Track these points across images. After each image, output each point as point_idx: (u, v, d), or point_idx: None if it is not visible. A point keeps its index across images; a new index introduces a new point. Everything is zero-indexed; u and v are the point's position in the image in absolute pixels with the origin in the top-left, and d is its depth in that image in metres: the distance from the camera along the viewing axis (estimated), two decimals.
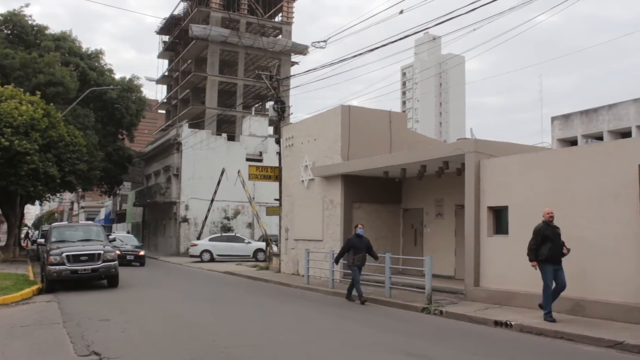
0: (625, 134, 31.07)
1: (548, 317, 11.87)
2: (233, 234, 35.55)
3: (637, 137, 25.14)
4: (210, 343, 9.93)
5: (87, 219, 75.75)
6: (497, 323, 12.19)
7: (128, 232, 49.23)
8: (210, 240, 37.23)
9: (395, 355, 9.23)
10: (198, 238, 42.92)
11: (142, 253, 32.44)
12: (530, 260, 12.30)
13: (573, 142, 33.42)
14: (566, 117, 35.41)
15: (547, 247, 11.98)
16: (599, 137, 32.67)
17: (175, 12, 60.27)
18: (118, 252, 25.99)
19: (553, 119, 36.27)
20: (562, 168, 13.69)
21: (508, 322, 11.97)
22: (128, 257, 31.15)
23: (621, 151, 12.62)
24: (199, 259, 35.65)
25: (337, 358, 9.11)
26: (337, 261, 17.33)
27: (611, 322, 11.68)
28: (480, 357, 9.26)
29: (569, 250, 12.17)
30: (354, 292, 16.27)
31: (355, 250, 16.18)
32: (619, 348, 9.76)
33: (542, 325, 11.48)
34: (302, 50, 56.64)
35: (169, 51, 64.49)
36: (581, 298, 12.73)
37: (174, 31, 60.60)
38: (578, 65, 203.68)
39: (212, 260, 35.27)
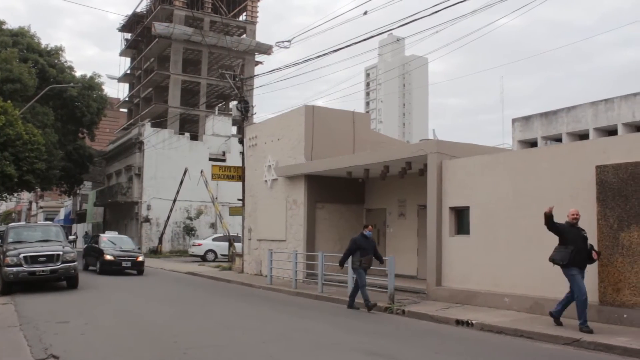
0: (583, 135, 31.76)
1: (584, 327, 10.64)
2: (235, 234, 34.75)
3: (594, 139, 25.67)
4: (172, 344, 9.81)
5: (46, 219, 74.22)
6: (458, 322, 12.32)
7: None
8: (214, 240, 36.91)
9: (357, 354, 9.25)
10: (160, 238, 42.53)
11: (140, 258, 26.03)
12: (556, 263, 11.28)
13: (533, 144, 34.03)
14: (527, 119, 36.02)
15: (568, 250, 10.97)
16: (558, 139, 33.33)
17: (138, 10, 59.53)
18: (111, 257, 24.87)
19: (514, 120, 36.87)
20: (522, 169, 13.90)
21: (469, 321, 12.11)
22: (124, 264, 25.21)
23: (579, 153, 12.88)
24: (199, 260, 35.23)
25: (299, 358, 9.09)
26: (342, 264, 15.40)
27: (569, 319, 11.88)
28: (442, 356, 9.35)
29: (599, 254, 11.33)
30: (357, 299, 15.04)
31: (362, 251, 14.85)
32: (576, 345, 9.96)
33: (502, 324, 11.65)
34: (266, 49, 56.45)
35: (132, 49, 63.65)
36: (540, 297, 12.95)
37: (137, 29, 59.83)
38: (540, 68, 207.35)
39: (215, 259, 34.89)
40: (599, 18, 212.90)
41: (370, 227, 15.50)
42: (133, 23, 60.89)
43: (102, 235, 28.77)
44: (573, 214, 11.24)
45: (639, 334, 10.32)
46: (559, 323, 11.30)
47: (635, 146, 11.73)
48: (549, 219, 11.17)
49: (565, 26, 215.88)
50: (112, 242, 26.91)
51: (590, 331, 10.48)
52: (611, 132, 30.58)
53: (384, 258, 15.80)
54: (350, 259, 15.09)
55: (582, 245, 11.02)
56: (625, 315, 11.23)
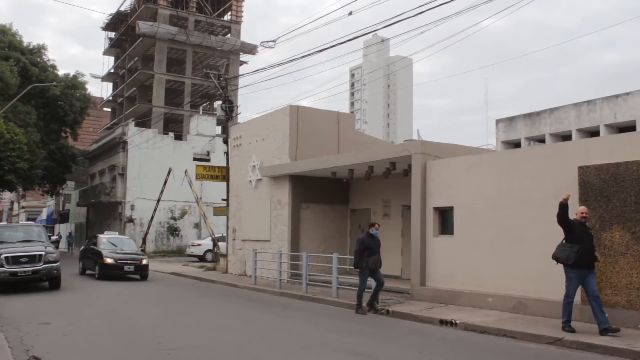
0: (566, 136, 31.99)
1: (566, 327, 10.67)
2: (220, 235, 34.35)
3: (577, 140, 25.88)
4: (156, 345, 9.76)
5: (28, 219, 73.56)
6: (442, 322, 12.36)
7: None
8: (213, 240, 36.70)
9: (342, 354, 9.25)
10: (144, 238, 42.28)
11: (144, 262, 23.43)
12: (559, 261, 10.95)
13: (517, 145, 34.21)
14: (510, 120, 36.21)
15: (574, 249, 10.61)
16: (542, 140, 33.53)
17: (122, 8, 59.16)
18: (112, 261, 22.52)
19: (498, 121, 37.04)
20: (506, 169, 13.98)
21: (453, 321, 12.15)
22: (126, 268, 22.81)
23: (562, 153, 12.97)
24: (197, 260, 34.97)
25: (282, 358, 9.08)
26: (357, 266, 14.31)
27: (552, 319, 11.97)
28: (425, 356, 9.37)
29: (598, 259, 10.98)
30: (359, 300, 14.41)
31: (368, 251, 14.19)
32: (558, 344, 10.04)
33: (485, 323, 11.70)
34: (251, 49, 56.33)
35: (115, 48, 63.25)
36: (523, 296, 13.03)
37: (121, 28, 59.46)
38: (524, 69, 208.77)
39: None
40: (582, 20, 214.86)
41: (377, 225, 14.85)
42: (117, 22, 60.51)
43: (100, 236, 25.65)
44: (582, 212, 10.86)
45: (619, 332, 10.41)
46: (613, 329, 10.36)
47: (616, 147, 11.84)
48: (564, 209, 10.76)
49: (549, 28, 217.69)
50: (112, 244, 24.32)
51: (572, 331, 10.49)
52: (593, 133, 30.82)
53: (368, 258, 15.67)
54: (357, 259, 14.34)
55: (589, 245, 10.69)
56: (606, 315, 11.32)
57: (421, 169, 15.80)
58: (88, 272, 24.66)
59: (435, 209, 15.70)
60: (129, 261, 23.02)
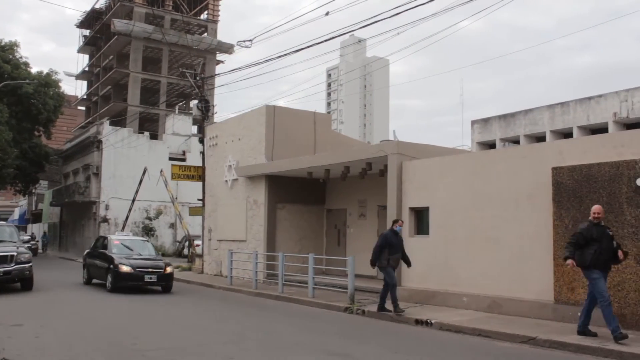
0: (540, 138, 32.36)
1: (617, 333, 9.58)
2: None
3: (550, 142, 26.18)
4: (131, 347, 9.67)
5: (0, 219, 72.52)
6: (417, 322, 12.43)
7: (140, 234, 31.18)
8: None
9: (318, 354, 9.26)
10: None
11: (169, 270, 19.14)
12: (565, 258, 10.22)
13: (492, 145, 34.53)
14: (485, 121, 36.53)
15: (591, 250, 9.89)
16: (516, 141, 33.88)
17: (97, 6, 58.51)
18: (129, 269, 18.28)
19: (473, 122, 37.36)
20: (481, 170, 14.10)
21: (428, 321, 12.22)
22: (148, 278, 18.48)
23: (536, 154, 13.11)
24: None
25: (259, 359, 9.05)
26: (374, 263, 13.73)
27: (525, 318, 12.13)
28: (401, 356, 9.40)
29: (626, 254, 10.24)
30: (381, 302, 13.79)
31: (391, 249, 13.52)
32: (532, 343, 10.14)
33: (460, 323, 11.78)
34: (227, 49, 56.10)
35: (90, 46, 62.56)
36: (497, 295, 13.15)
37: (95, 25, 58.82)
38: (500, 71, 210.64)
39: None
40: (558, 22, 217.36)
41: (400, 222, 13.97)
42: (92, 19, 59.85)
43: (111, 237, 21.11)
44: (596, 213, 10.12)
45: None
46: (592, 333, 10.09)
47: (589, 148, 12.00)
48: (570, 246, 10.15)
49: (525, 30, 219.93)
50: (126, 247, 20.11)
51: (624, 336, 9.49)
52: (567, 134, 31.22)
53: (344, 258, 15.66)
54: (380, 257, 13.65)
55: (608, 244, 9.92)
56: (579, 314, 11.45)
57: (397, 169, 15.87)
58: (95, 281, 20.78)
59: (411, 209, 15.78)
60: (150, 269, 18.68)
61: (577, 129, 31.51)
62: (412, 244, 15.53)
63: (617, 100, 30.18)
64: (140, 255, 19.71)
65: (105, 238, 21.28)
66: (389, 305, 13.31)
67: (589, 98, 31.60)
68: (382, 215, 19.16)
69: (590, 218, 10.18)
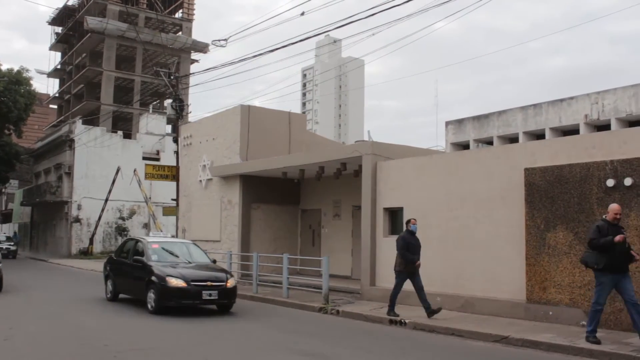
0: (513, 139, 32.70)
1: (591, 337, 9.51)
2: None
3: (523, 143, 26.47)
4: (102, 348, 9.55)
5: None
6: (392, 321, 12.47)
7: (172, 236, 25.00)
8: None
9: (292, 355, 9.24)
10: (91, 239, 41.45)
11: (231, 283, 14.05)
12: (588, 265, 9.73)
13: (465, 146, 34.82)
14: (459, 122, 36.83)
15: (605, 253, 9.41)
16: (490, 142, 34.22)
17: (70, 3, 57.83)
18: (182, 283, 13.21)
19: (447, 123, 37.65)
20: (455, 171, 14.19)
21: (402, 321, 12.27)
22: (206, 295, 13.53)
23: (509, 155, 13.24)
24: None
25: (234, 359, 9.01)
26: (413, 262, 12.81)
27: (498, 317, 12.24)
28: (375, 355, 9.42)
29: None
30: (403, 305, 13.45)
31: (410, 251, 12.79)
32: (504, 342, 10.24)
33: (434, 322, 11.85)
34: (202, 48, 55.83)
35: (62, 43, 61.79)
36: (471, 295, 13.25)
37: (68, 22, 58.12)
38: (474, 72, 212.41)
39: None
40: (532, 25, 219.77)
41: (413, 220, 13.16)
42: (64, 16, 59.12)
43: (148, 239, 15.85)
44: (616, 212, 9.52)
45: (562, 330, 10.70)
46: (596, 341, 9.47)
47: (561, 150, 12.14)
48: (609, 247, 9.41)
49: (500, 32, 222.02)
50: (169, 252, 15.30)
51: (598, 342, 9.37)
52: (539, 136, 31.60)
53: (318, 259, 15.63)
54: (396, 260, 13.06)
55: (622, 246, 9.38)
56: (550, 313, 11.61)
57: (372, 169, 15.91)
58: (123, 296, 16.08)
59: (386, 209, 15.83)
60: (209, 283, 13.62)
61: (549, 130, 31.92)
62: (387, 245, 15.58)
63: (588, 103, 30.64)
64: (189, 262, 14.90)
65: (138, 241, 16.08)
66: (397, 309, 12.97)
67: (561, 100, 32.03)
68: (356, 216, 19.20)
69: (606, 217, 9.64)
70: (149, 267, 14.13)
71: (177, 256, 15.24)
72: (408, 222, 13.21)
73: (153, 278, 13.70)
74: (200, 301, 13.57)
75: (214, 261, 15.87)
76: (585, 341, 9.50)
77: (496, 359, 9.40)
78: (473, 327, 11.30)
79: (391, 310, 12.89)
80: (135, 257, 14.96)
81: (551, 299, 11.65)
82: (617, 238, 9.22)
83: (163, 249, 15.40)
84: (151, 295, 13.73)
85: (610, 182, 10.92)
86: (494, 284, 12.94)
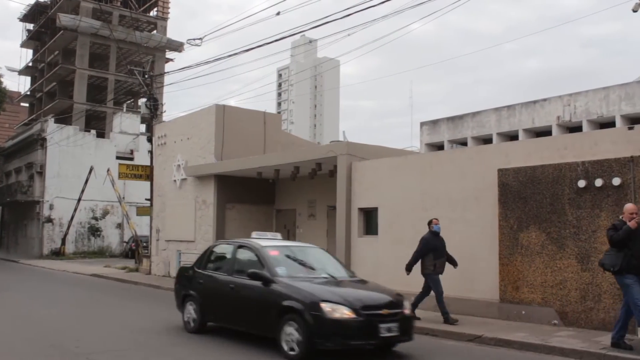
0: (487, 140, 33.01)
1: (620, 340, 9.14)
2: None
3: (497, 144, 26.73)
4: (74, 350, 9.43)
5: None
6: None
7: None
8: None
9: (264, 355, 9.20)
10: (63, 239, 40.94)
11: (408, 310, 9.48)
12: (605, 268, 9.33)
13: (440, 147, 35.06)
14: (434, 123, 37.07)
15: (621, 253, 9.00)
16: (464, 143, 34.49)
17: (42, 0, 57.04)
18: (349, 313, 8.54)
19: (422, 124, 37.88)
20: (429, 171, 14.28)
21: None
22: (384, 330, 8.73)
23: (482, 156, 13.35)
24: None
25: (208, 359, 8.93)
26: (410, 268, 12.38)
27: (472, 317, 12.33)
28: (348, 356, 9.41)
29: None
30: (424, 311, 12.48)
31: (435, 253, 12.22)
32: (478, 341, 10.32)
33: None
34: (177, 46, 55.40)
35: (34, 40, 60.89)
36: (445, 295, 13.29)
37: (40, 19, 57.27)
38: (450, 73, 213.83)
39: None
40: (506, 28, 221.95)
41: (435, 220, 12.56)
42: (36, 13, 58.24)
43: (257, 242, 10.99)
44: (632, 212, 9.10)
45: (535, 329, 10.82)
46: (627, 346, 9.02)
47: (534, 151, 12.28)
48: (629, 235, 9.00)
49: (475, 34, 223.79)
50: (298, 262, 10.68)
51: (629, 347, 8.97)
52: (513, 137, 31.95)
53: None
54: (423, 263, 12.41)
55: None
56: (523, 312, 11.74)
57: (346, 170, 15.94)
58: (211, 324, 11.27)
59: (360, 209, 15.87)
60: (385, 311, 8.98)
61: (522, 131, 32.28)
62: (361, 245, 15.63)
63: (560, 105, 31.05)
64: (333, 277, 10.18)
65: (242, 246, 11.06)
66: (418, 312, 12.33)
67: (534, 102, 32.41)
68: (331, 216, 19.21)
69: (622, 217, 9.25)
70: (280, 286, 9.35)
71: (311, 268, 10.57)
72: (430, 222, 12.53)
73: (292, 304, 8.90)
74: (377, 340, 8.82)
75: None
76: (611, 347, 9.06)
77: (470, 358, 9.47)
78: (447, 326, 11.41)
79: (446, 314, 11.99)
80: (251, 270, 9.93)
81: (524, 299, 11.77)
82: (632, 223, 8.90)
83: (288, 257, 10.70)
84: (291, 333, 8.82)
85: (581, 183, 11.07)
86: (468, 284, 13.04)
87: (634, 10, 13.92)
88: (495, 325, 11.39)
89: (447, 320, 11.84)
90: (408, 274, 12.50)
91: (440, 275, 12.29)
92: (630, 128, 11.19)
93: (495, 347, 9.99)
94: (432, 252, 12.21)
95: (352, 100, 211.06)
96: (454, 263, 12.51)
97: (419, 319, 11.38)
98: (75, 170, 41.73)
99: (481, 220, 12.90)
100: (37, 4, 57.32)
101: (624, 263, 8.93)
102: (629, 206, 9.27)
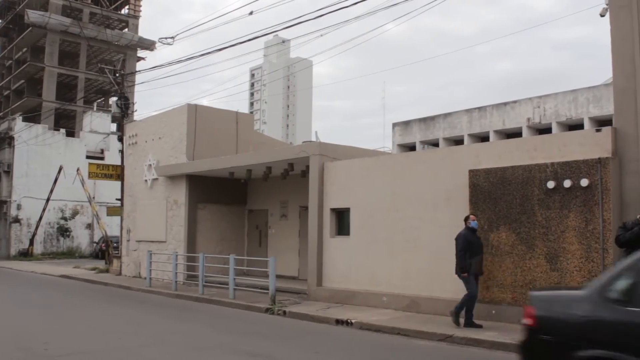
0: (459, 141, 33.28)
1: None
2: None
3: (468, 145, 26.95)
4: (42, 352, 9.30)
5: None
6: (338, 321, 12.51)
7: None
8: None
9: (238, 356, 9.18)
10: (31, 240, 40.34)
11: None
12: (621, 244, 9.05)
13: (412, 148, 35.24)
14: (406, 124, 37.26)
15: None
16: (436, 144, 34.72)
17: None
18: None
19: (394, 125, 38.04)
20: (401, 172, 14.34)
21: (349, 320, 12.33)
22: None
23: (454, 157, 13.44)
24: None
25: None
26: (465, 270, 11.34)
27: (443, 317, 12.39)
28: (321, 356, 9.45)
29: None
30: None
31: (472, 250, 11.47)
32: (449, 341, 10.40)
33: (380, 322, 11.94)
34: (149, 45, 54.90)
35: (2, 37, 59.89)
36: (416, 295, 13.40)
37: (8, 15, 56.32)
38: (423, 74, 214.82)
39: None
40: (479, 30, 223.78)
41: (473, 216, 11.87)
42: (3, 9, 57.25)
43: None
44: None
45: (505, 328, 10.92)
46: None
47: (504, 152, 12.40)
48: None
49: (448, 35, 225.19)
50: None
51: None
52: (484, 138, 32.24)
53: (265, 259, 15.49)
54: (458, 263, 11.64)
55: None
56: (493, 312, 11.84)
57: (319, 170, 15.94)
58: None
59: (332, 210, 15.88)
60: None
61: (493, 133, 32.60)
62: (333, 245, 15.65)
63: (530, 106, 31.42)
64: None
65: None
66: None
67: (505, 103, 32.76)
68: (303, 216, 19.20)
69: (639, 217, 9.05)
70: None
71: None
72: (467, 218, 11.81)
73: None
74: None
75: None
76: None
77: (440, 358, 9.54)
78: (418, 326, 11.45)
79: (457, 315, 11.41)
80: None
81: (494, 298, 11.88)
82: None
83: None
84: None
85: (550, 184, 11.21)
86: (439, 284, 13.12)
87: (602, 15, 14.15)
88: (461, 323, 11.46)
89: (470, 323, 11.22)
90: (467, 276, 11.41)
91: (477, 276, 11.57)
92: (597, 130, 11.36)
93: (466, 347, 10.07)
94: (468, 250, 11.47)
95: (326, 100, 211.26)
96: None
97: (480, 326, 11.07)
98: (44, 169, 41.17)
99: (452, 220, 12.98)
100: (4, 0, 56.35)
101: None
102: None
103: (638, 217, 9.17)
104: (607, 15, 12.14)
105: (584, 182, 10.76)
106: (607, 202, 10.52)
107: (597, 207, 10.62)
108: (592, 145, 11.08)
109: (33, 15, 48.56)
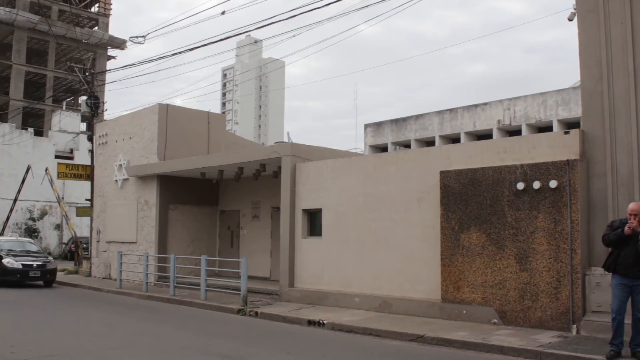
0: (430, 142, 33.57)
1: (608, 351, 8.47)
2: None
3: (439, 146, 27.18)
4: (9, 356, 9.13)
5: None
6: (310, 322, 12.53)
7: None
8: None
9: (209, 357, 9.13)
10: None
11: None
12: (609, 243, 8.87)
13: (384, 149, 35.45)
14: (378, 125, 37.46)
15: (611, 253, 8.82)
16: (407, 145, 34.97)
17: None
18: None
19: (366, 126, 38.23)
20: (373, 173, 14.40)
21: (321, 321, 12.34)
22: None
23: (425, 158, 13.54)
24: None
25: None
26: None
27: (414, 317, 12.51)
28: (293, 356, 9.44)
29: None
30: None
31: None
32: (420, 341, 10.47)
33: (351, 323, 11.98)
34: (119, 44, 54.39)
35: None
36: (388, 295, 13.48)
37: None
38: (396, 75, 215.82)
39: None
40: (451, 32, 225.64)
41: None
42: None
43: None
44: (631, 213, 8.55)
45: (475, 328, 11.04)
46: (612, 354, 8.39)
47: (475, 153, 12.53)
48: (622, 239, 8.62)
49: (421, 37, 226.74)
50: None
51: (614, 355, 8.36)
52: (455, 139, 32.55)
53: (237, 260, 15.51)
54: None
55: (630, 249, 8.54)
56: (464, 311, 11.96)
57: (291, 171, 15.94)
58: None
59: (304, 210, 15.89)
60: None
61: (464, 134, 32.94)
62: (305, 246, 15.66)
63: (500, 109, 31.82)
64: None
65: None
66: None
67: (476, 105, 33.12)
68: (275, 217, 19.18)
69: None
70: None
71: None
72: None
73: None
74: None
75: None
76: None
77: (412, 358, 9.60)
78: (390, 326, 11.51)
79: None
80: None
81: (465, 298, 12.00)
82: (626, 229, 8.42)
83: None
84: None
85: (520, 185, 11.36)
86: (411, 284, 13.22)
87: (570, 19, 14.40)
88: (437, 324, 11.57)
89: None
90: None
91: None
92: (566, 132, 11.54)
93: (437, 347, 10.15)
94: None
95: (298, 101, 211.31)
96: None
97: None
98: (11, 169, 40.51)
99: (424, 221, 13.10)
100: None
101: (611, 263, 8.70)
102: (632, 206, 8.67)
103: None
104: (575, 19, 12.35)
105: (553, 184, 10.92)
106: (575, 204, 10.69)
107: (565, 208, 10.79)
108: (561, 148, 11.25)
109: (0, 12, 47.74)
